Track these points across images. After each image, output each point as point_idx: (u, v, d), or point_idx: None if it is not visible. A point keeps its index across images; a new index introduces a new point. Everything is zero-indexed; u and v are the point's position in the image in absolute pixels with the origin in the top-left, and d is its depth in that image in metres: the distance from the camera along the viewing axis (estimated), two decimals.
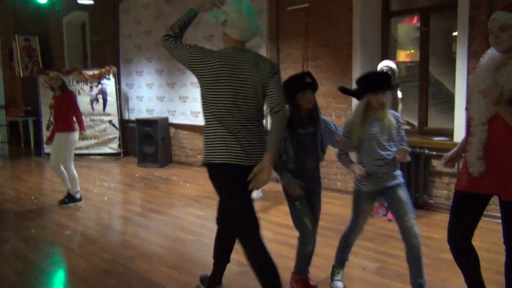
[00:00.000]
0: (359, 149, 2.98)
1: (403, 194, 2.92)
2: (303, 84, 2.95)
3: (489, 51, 2.38)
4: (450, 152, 2.65)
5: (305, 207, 3.02)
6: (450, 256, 2.58)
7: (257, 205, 5.77)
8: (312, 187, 3.08)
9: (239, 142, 2.58)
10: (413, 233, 2.82)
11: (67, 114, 5.53)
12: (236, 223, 2.74)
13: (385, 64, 4.74)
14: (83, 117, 5.84)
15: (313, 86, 2.98)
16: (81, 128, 5.66)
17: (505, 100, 2.18)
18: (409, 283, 2.93)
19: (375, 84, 2.87)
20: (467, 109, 2.44)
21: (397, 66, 4.83)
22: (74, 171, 5.61)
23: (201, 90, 2.70)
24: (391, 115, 2.94)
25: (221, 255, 3.09)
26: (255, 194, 5.71)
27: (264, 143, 2.64)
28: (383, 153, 2.88)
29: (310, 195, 3.07)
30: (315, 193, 3.12)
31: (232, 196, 2.68)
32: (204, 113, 2.71)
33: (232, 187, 2.65)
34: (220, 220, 3.04)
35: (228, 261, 3.12)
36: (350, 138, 2.96)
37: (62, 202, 5.63)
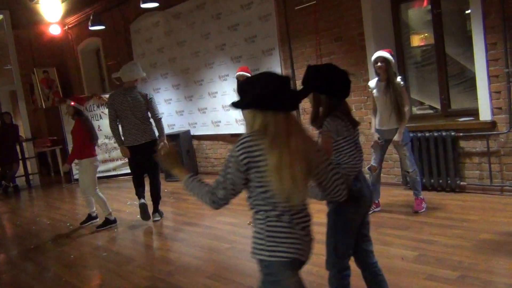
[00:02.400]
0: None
1: None
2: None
3: None
4: None
5: None
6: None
7: None
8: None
9: (134, 134, 5.44)
10: None
11: (80, 141, 5.50)
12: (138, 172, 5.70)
13: (379, 55, 4.50)
14: (106, 140, 6.03)
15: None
16: (68, 159, 5.88)
17: None
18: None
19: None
20: None
21: (392, 55, 4.52)
22: (100, 194, 5.64)
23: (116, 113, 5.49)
24: None
25: (142, 187, 5.68)
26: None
27: (149, 132, 5.50)
28: None
29: None
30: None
31: (132, 161, 5.65)
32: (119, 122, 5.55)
33: (133, 157, 5.52)
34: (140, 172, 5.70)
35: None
36: None
37: (99, 226, 5.67)
